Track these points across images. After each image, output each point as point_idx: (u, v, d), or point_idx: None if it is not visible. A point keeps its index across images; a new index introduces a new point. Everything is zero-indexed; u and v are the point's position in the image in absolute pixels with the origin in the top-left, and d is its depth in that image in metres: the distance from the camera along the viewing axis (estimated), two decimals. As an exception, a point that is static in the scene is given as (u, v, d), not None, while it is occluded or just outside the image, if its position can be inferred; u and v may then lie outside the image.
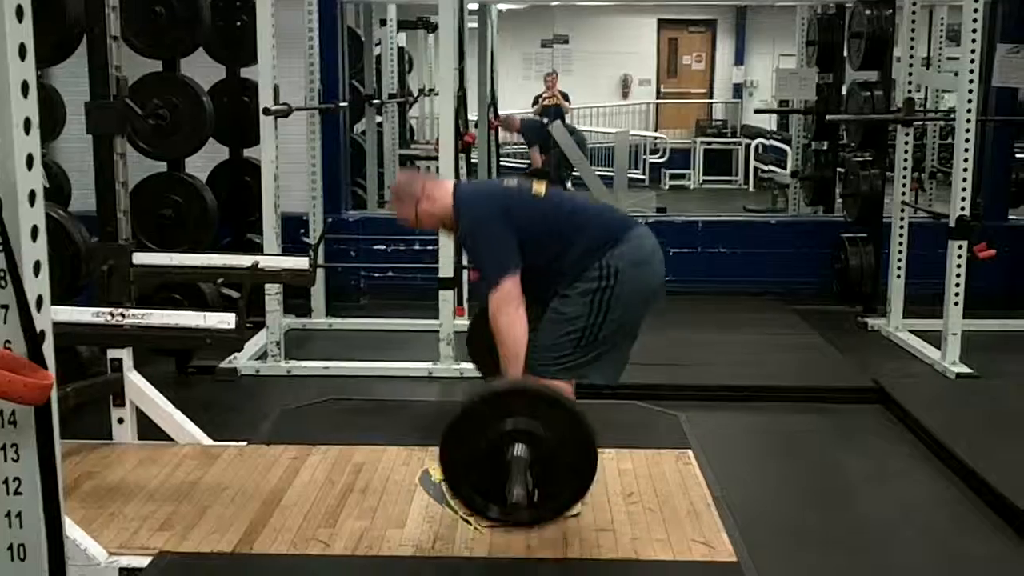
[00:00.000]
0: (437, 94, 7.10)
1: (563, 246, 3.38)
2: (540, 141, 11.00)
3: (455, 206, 3.48)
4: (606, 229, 3.43)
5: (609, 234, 3.40)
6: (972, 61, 5.56)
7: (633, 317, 3.44)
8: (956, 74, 5.86)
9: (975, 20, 5.54)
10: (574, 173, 10.39)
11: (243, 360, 5.67)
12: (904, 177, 6.61)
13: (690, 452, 4.10)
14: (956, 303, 5.62)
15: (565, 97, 12.68)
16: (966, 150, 5.59)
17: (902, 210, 6.55)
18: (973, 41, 5.55)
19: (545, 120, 11.10)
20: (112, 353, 4.07)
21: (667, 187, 14.32)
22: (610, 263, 3.32)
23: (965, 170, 5.58)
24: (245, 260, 4.20)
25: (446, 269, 5.57)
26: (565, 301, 3.35)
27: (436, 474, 3.83)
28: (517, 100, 13.98)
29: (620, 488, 3.71)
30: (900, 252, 6.52)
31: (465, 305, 6.38)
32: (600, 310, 3.32)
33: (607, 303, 3.32)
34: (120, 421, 4.12)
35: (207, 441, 4.19)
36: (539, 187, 3.56)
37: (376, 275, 7.52)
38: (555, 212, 3.50)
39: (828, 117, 7.44)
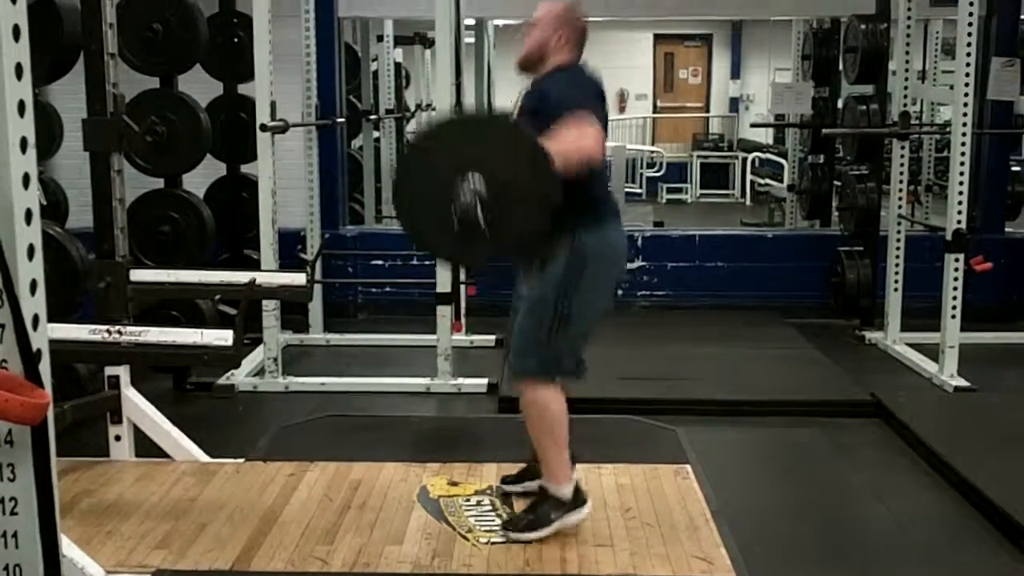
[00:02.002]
0: (434, 109, 7.10)
1: (594, 182, 3.29)
2: None
3: (562, 69, 3.37)
4: (609, 199, 3.43)
5: (606, 208, 3.37)
6: (967, 74, 5.58)
7: (597, 301, 3.38)
8: (951, 87, 5.88)
9: (970, 34, 5.56)
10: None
11: (240, 376, 5.66)
12: (900, 190, 6.62)
13: (688, 467, 4.10)
14: (953, 316, 5.62)
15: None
16: (962, 163, 5.60)
17: (899, 223, 6.57)
18: (968, 55, 5.56)
19: None
20: (109, 370, 4.06)
21: (664, 201, 14.35)
22: (584, 243, 3.25)
23: (961, 183, 5.60)
24: (242, 276, 4.20)
25: (443, 284, 5.57)
26: (537, 287, 3.30)
27: (434, 490, 3.83)
28: (514, 115, 14.00)
29: (618, 503, 3.71)
30: (897, 265, 6.53)
31: (463, 320, 6.38)
32: (569, 290, 3.25)
33: (576, 283, 3.25)
34: (117, 438, 4.11)
35: (204, 458, 4.18)
36: None
37: (374, 291, 7.52)
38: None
39: (824, 131, 7.46)
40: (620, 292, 7.36)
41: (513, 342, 3.40)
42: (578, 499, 3.43)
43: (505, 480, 3.80)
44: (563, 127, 3.05)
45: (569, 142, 3.02)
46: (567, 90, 3.24)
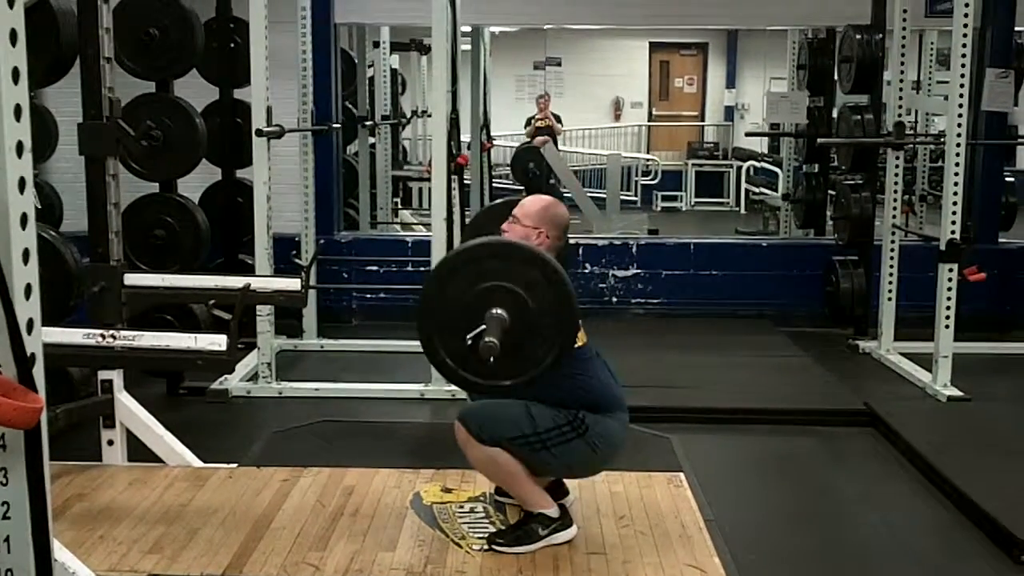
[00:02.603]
0: (430, 116, 7.11)
1: (576, 372, 3.33)
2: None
3: None
4: (608, 389, 3.43)
5: (607, 396, 3.40)
6: (962, 85, 5.60)
7: (573, 465, 3.42)
8: (946, 98, 5.90)
9: (964, 45, 5.57)
10: (565, 193, 10.42)
11: (234, 381, 5.65)
12: (895, 200, 6.64)
13: (682, 475, 4.10)
14: (947, 326, 5.63)
15: (557, 119, 12.73)
16: (956, 173, 5.62)
17: (893, 233, 6.58)
18: (963, 65, 5.58)
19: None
20: (103, 374, 4.06)
21: (659, 209, 14.36)
22: (587, 422, 3.30)
23: (955, 193, 5.61)
24: (237, 281, 4.20)
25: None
26: (540, 407, 3.31)
27: (427, 497, 3.82)
28: (510, 122, 14.04)
29: (612, 511, 3.71)
30: (891, 275, 6.54)
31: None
32: (556, 439, 3.28)
33: (565, 441, 3.29)
34: (110, 443, 4.11)
35: (197, 463, 4.17)
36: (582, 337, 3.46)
37: (368, 296, 7.51)
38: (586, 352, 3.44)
39: (819, 140, 7.47)
40: (614, 300, 7.37)
41: (483, 405, 3.40)
42: (565, 520, 3.44)
43: (499, 491, 3.79)
44: None
45: None
46: None
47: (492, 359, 2.92)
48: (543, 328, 3.04)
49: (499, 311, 3.00)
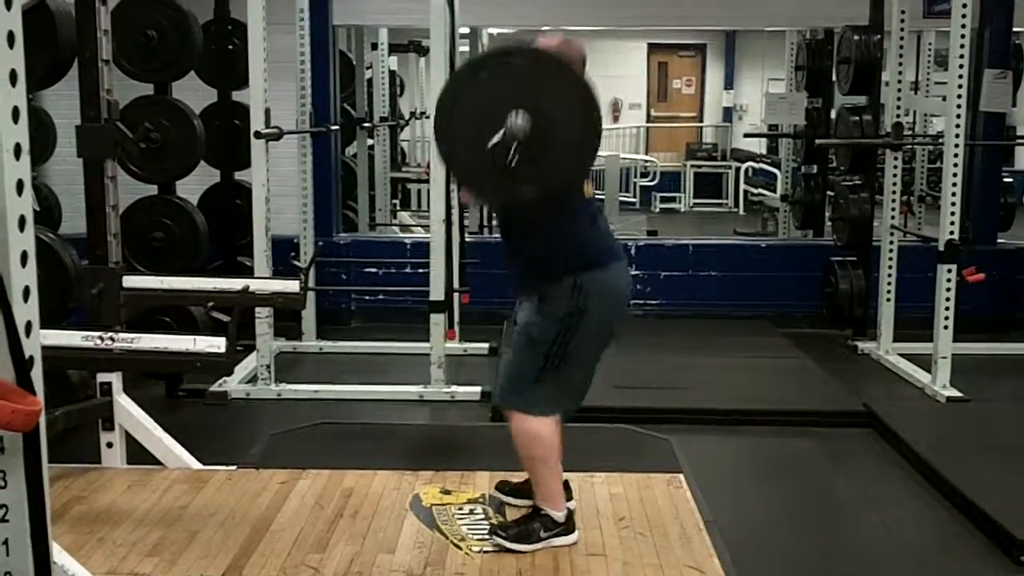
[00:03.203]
0: (428, 117, 7.11)
1: (575, 221, 3.28)
2: None
3: None
4: (605, 240, 3.38)
5: (603, 248, 3.34)
6: (960, 86, 5.60)
7: (597, 346, 3.36)
8: (944, 99, 5.90)
9: (962, 46, 5.58)
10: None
11: (233, 384, 5.64)
12: (893, 201, 6.64)
13: (681, 476, 4.10)
14: (946, 327, 5.64)
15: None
16: (954, 174, 5.62)
17: (891, 234, 6.58)
18: (961, 66, 5.59)
19: None
20: (101, 377, 4.06)
21: (657, 210, 14.36)
22: (585, 286, 3.22)
23: (954, 194, 5.61)
24: (236, 283, 4.20)
25: (437, 292, 5.57)
26: (535, 322, 3.27)
27: (427, 498, 3.82)
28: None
29: (611, 512, 3.70)
30: (890, 276, 6.54)
31: (456, 328, 6.37)
32: (568, 332, 3.22)
33: (575, 326, 3.22)
34: (109, 445, 4.10)
35: (196, 465, 4.16)
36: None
37: (367, 298, 7.51)
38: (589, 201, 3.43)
39: (817, 141, 7.47)
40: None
41: (502, 371, 3.40)
42: (569, 526, 3.43)
43: (501, 488, 3.79)
44: None
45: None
46: None
47: (517, 146, 2.86)
48: (567, 136, 2.96)
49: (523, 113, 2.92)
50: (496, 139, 2.91)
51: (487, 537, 3.45)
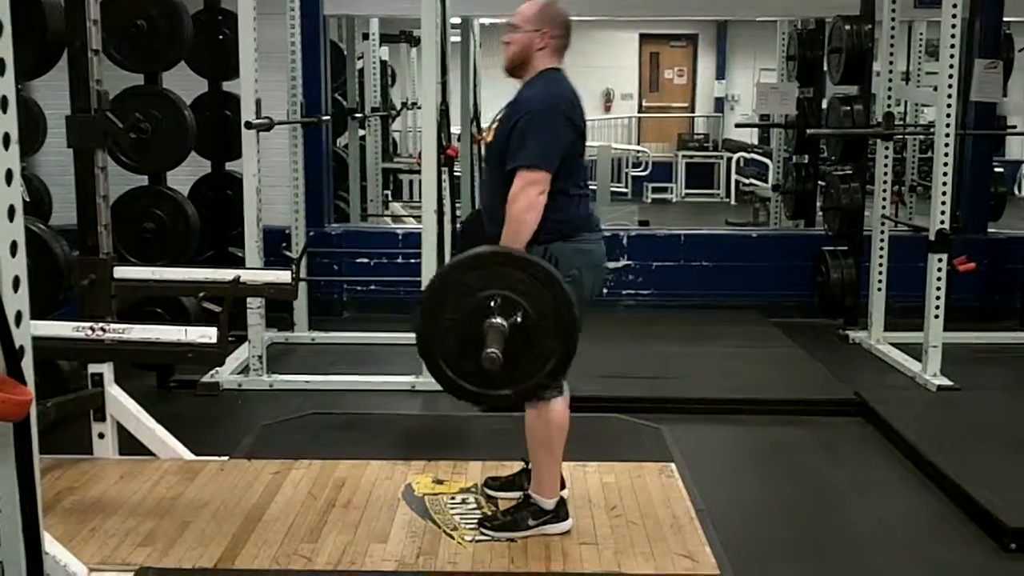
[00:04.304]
0: (420, 107, 7.10)
1: (560, 194, 3.27)
2: None
3: (541, 77, 3.34)
4: (577, 214, 3.36)
5: (578, 220, 3.34)
6: (951, 76, 5.61)
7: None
8: (935, 88, 5.91)
9: (953, 36, 5.58)
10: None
11: (225, 374, 5.64)
12: (884, 191, 6.66)
13: (673, 465, 4.11)
14: (936, 316, 5.65)
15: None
16: (945, 164, 5.63)
17: (882, 223, 6.60)
18: (952, 56, 5.59)
19: None
20: (93, 367, 4.05)
21: (649, 200, 14.37)
22: (554, 252, 3.24)
23: (945, 184, 5.62)
24: (227, 274, 4.19)
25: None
26: None
27: (419, 488, 3.83)
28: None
29: (603, 501, 3.72)
30: (881, 265, 6.56)
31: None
32: None
33: None
34: (101, 436, 4.10)
35: (189, 456, 4.17)
36: None
37: (359, 288, 7.50)
38: (580, 163, 3.43)
39: (808, 131, 7.48)
40: (604, 291, 7.37)
41: None
42: (560, 513, 3.44)
43: (489, 484, 3.80)
44: (507, 214, 3.16)
45: (510, 231, 3.16)
46: (527, 129, 3.22)
47: (496, 368, 2.90)
48: (544, 330, 3.01)
49: (498, 319, 2.96)
50: (488, 351, 2.91)
51: (477, 528, 3.46)
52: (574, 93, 3.38)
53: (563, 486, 3.56)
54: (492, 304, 2.98)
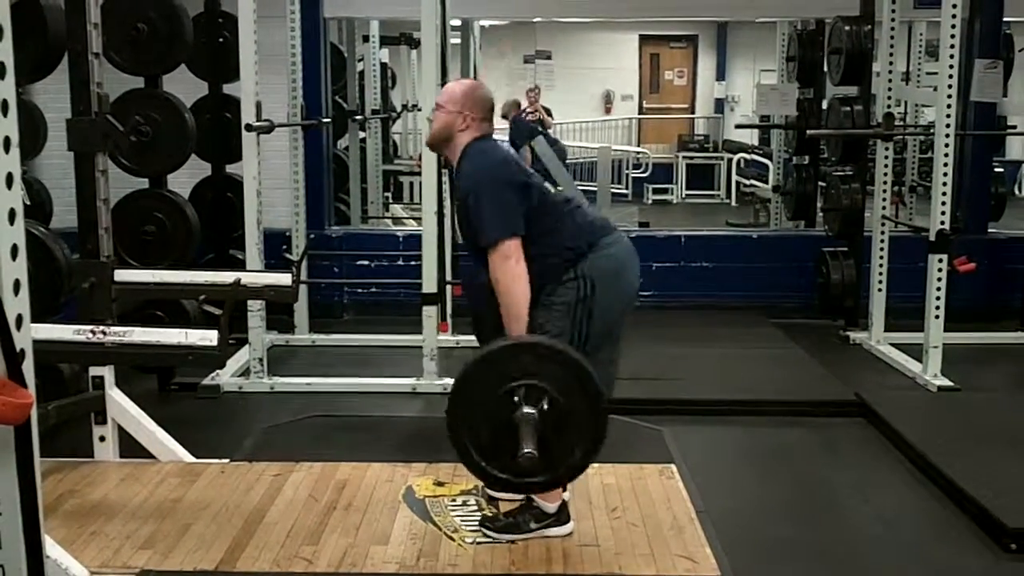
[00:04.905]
0: (420, 110, 7.10)
1: (551, 233, 3.30)
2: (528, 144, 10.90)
3: (468, 151, 3.38)
4: (590, 224, 3.38)
5: (590, 232, 3.35)
6: (951, 76, 5.61)
7: (613, 324, 3.39)
8: (935, 89, 5.91)
9: (953, 36, 5.58)
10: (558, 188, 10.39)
11: (225, 377, 5.64)
12: (884, 191, 6.66)
13: (673, 466, 4.11)
14: (937, 316, 5.65)
15: (548, 112, 12.70)
16: (945, 164, 5.63)
17: (883, 224, 6.60)
18: (951, 56, 5.60)
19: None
20: (93, 370, 4.05)
21: (650, 202, 14.37)
22: (586, 273, 3.26)
23: (945, 184, 5.63)
24: (227, 276, 4.19)
25: (429, 285, 5.57)
26: (547, 317, 3.28)
27: (420, 490, 3.83)
28: (499, 116, 14.00)
29: (604, 503, 3.72)
30: (881, 266, 6.55)
31: (449, 321, 6.38)
32: (582, 322, 3.26)
33: (588, 313, 3.25)
34: (102, 439, 4.10)
35: (189, 459, 4.17)
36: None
37: (359, 291, 7.51)
38: (552, 198, 3.45)
39: (809, 132, 7.48)
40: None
41: None
42: (562, 516, 3.44)
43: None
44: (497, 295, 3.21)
45: (507, 312, 3.20)
46: (478, 207, 3.26)
47: (532, 465, 2.91)
48: (573, 422, 3.01)
49: (528, 410, 2.95)
50: (525, 452, 2.90)
51: (479, 528, 3.46)
52: (504, 151, 3.45)
53: (564, 488, 3.56)
54: (517, 397, 2.96)
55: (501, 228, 3.22)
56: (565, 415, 2.99)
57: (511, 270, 3.20)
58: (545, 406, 2.96)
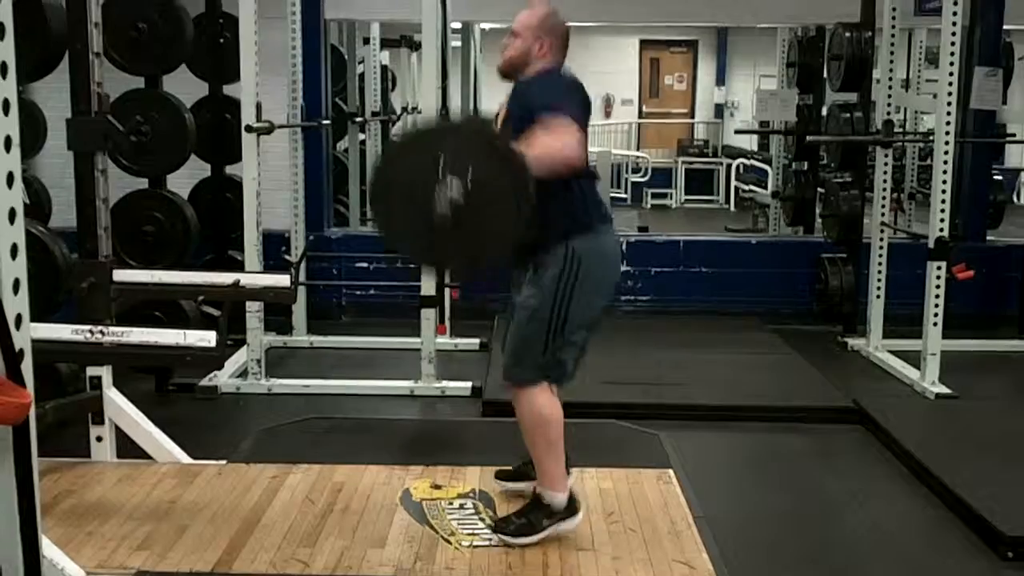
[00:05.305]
0: (420, 112, 7.10)
1: (574, 188, 3.27)
2: None
3: (544, 70, 3.36)
4: (598, 206, 3.38)
5: (598, 213, 3.36)
6: (950, 83, 5.62)
7: (593, 307, 3.38)
8: (935, 96, 5.92)
9: (953, 43, 5.59)
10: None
11: (223, 378, 5.64)
12: (883, 198, 6.66)
13: (671, 471, 4.11)
14: (935, 324, 5.65)
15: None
16: (944, 171, 5.64)
17: (881, 231, 6.60)
18: (951, 64, 5.60)
19: None
20: (91, 370, 4.05)
21: (649, 206, 14.37)
22: (577, 250, 3.25)
23: (944, 191, 5.63)
24: (226, 277, 4.19)
25: (428, 287, 5.57)
26: (532, 293, 3.29)
27: (417, 493, 3.83)
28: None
29: (601, 508, 3.71)
30: (880, 273, 6.56)
31: (447, 323, 6.38)
32: (565, 297, 3.25)
33: (571, 290, 3.25)
34: (99, 439, 4.10)
35: (187, 460, 4.16)
36: None
37: (358, 293, 7.50)
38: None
39: (808, 138, 7.49)
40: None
41: (507, 349, 3.40)
42: (572, 507, 3.43)
43: (499, 475, 3.80)
44: (540, 130, 3.04)
45: (545, 146, 3.00)
46: (548, 92, 3.23)
47: (448, 223, 2.85)
48: (496, 201, 2.92)
49: (451, 177, 2.88)
50: (436, 212, 2.87)
51: (477, 532, 3.45)
52: (580, 84, 3.39)
53: (568, 472, 3.50)
54: (443, 162, 2.89)
55: (574, 115, 3.11)
56: (487, 192, 2.91)
57: (575, 144, 3.05)
58: (468, 181, 2.89)
